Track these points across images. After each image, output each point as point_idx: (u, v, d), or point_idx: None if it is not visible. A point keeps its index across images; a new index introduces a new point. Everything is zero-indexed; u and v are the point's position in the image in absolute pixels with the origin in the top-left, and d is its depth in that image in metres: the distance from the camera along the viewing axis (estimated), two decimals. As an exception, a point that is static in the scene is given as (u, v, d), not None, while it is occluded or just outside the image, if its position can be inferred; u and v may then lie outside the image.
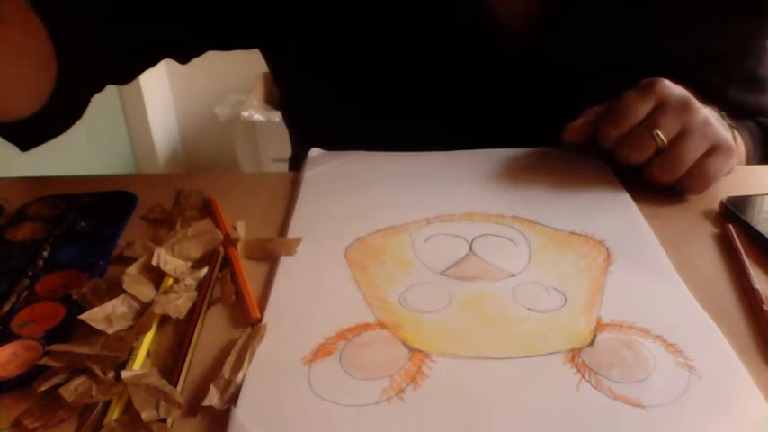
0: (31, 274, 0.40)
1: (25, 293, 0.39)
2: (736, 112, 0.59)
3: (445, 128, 0.57)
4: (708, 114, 0.47)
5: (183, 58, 0.61)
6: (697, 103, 0.47)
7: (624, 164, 0.48)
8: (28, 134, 0.51)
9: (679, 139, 0.46)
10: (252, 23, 0.59)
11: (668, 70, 0.49)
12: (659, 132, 0.46)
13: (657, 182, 0.47)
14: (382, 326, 0.35)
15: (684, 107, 0.46)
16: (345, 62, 0.58)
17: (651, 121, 0.46)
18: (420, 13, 0.55)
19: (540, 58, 0.56)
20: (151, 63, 0.58)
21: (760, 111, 0.65)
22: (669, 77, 0.49)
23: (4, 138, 0.50)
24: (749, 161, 0.60)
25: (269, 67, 0.68)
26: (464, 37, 0.55)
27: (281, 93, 0.70)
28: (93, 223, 0.46)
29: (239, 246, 0.43)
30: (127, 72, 0.58)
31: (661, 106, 0.46)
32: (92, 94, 0.55)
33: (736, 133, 0.56)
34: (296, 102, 0.68)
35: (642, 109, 0.46)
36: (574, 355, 0.33)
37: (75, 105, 0.54)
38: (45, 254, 0.42)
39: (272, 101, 1.83)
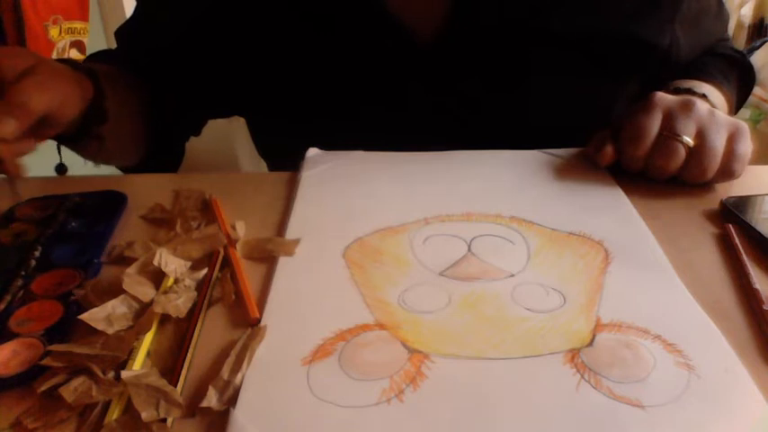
0: (23, 273, 0.40)
1: (20, 293, 0.39)
2: (691, 54, 0.63)
3: (399, 127, 0.58)
4: (708, 105, 0.49)
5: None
6: (696, 100, 0.49)
7: (659, 176, 0.50)
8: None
9: (702, 135, 0.47)
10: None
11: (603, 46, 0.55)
12: (682, 136, 0.47)
13: (698, 182, 0.49)
14: (381, 326, 0.35)
15: (688, 107, 0.48)
16: (284, 84, 0.60)
17: (668, 130, 0.48)
18: (331, 25, 0.56)
19: (453, 50, 0.57)
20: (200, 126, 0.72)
21: (711, 38, 0.68)
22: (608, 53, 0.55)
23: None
24: (731, 104, 0.64)
25: None
26: (375, 42, 0.57)
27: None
28: (85, 223, 0.46)
29: (238, 246, 0.43)
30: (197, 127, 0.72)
31: (669, 114, 0.48)
32: (181, 145, 0.71)
33: (713, 98, 0.58)
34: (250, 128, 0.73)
35: (654, 122, 0.48)
36: (573, 355, 0.33)
37: (170, 153, 0.69)
38: (37, 254, 0.42)
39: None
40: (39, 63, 0.45)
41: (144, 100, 0.62)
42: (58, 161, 0.55)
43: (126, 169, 0.66)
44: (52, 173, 0.55)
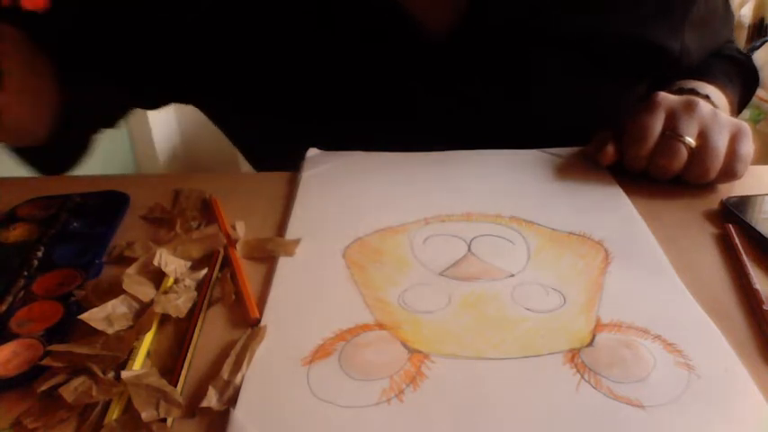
0: (26, 274, 0.40)
1: (22, 293, 0.39)
2: (699, 57, 0.63)
3: (399, 127, 0.58)
4: (711, 106, 0.49)
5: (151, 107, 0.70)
6: (698, 100, 0.49)
7: (661, 176, 0.49)
8: (45, 162, 0.60)
9: (704, 136, 0.47)
10: (184, 80, 0.61)
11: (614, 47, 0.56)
12: (684, 136, 0.47)
13: (700, 182, 0.49)
14: (381, 326, 0.35)
15: (691, 107, 0.48)
16: (285, 81, 0.59)
17: (671, 130, 0.48)
18: (336, 21, 0.56)
19: (463, 49, 0.57)
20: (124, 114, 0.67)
21: (718, 40, 0.68)
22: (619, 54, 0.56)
23: (28, 163, 0.60)
24: (734, 105, 0.64)
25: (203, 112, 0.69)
26: (386, 38, 0.56)
27: (222, 129, 0.71)
28: (86, 223, 0.46)
29: (238, 246, 0.43)
30: (112, 119, 0.66)
31: (672, 114, 0.48)
32: (89, 137, 0.64)
33: (715, 99, 0.58)
34: (242, 132, 0.70)
35: (657, 122, 0.48)
36: (573, 355, 0.33)
37: (76, 141, 0.63)
38: (39, 254, 0.42)
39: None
40: None
41: (55, 76, 0.54)
42: None
43: (24, 157, 0.59)
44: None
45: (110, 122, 0.65)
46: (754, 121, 1.62)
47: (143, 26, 0.58)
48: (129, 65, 0.59)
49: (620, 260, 0.41)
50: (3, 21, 0.51)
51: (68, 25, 0.56)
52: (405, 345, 0.34)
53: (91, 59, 0.57)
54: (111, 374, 0.32)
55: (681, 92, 0.57)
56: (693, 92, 0.57)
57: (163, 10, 0.60)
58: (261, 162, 0.72)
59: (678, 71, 0.62)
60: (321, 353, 0.33)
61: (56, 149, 0.58)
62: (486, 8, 0.55)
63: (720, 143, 0.47)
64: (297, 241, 0.43)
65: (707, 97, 0.56)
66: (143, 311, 0.36)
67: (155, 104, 0.69)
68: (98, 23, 0.57)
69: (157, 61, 0.61)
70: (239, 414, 0.30)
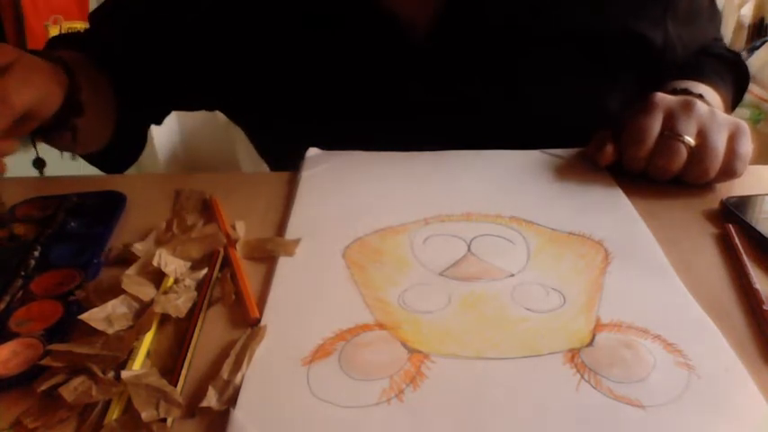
0: (23, 273, 0.40)
1: (20, 293, 0.39)
2: (685, 53, 0.63)
3: (398, 127, 0.58)
4: (708, 105, 0.49)
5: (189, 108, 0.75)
6: (696, 100, 0.49)
7: (661, 177, 0.49)
8: (108, 162, 0.65)
9: (703, 135, 0.47)
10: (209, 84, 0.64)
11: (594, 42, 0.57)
12: (684, 136, 0.47)
13: (699, 182, 0.49)
14: (381, 326, 0.35)
15: (689, 107, 0.48)
16: (284, 81, 0.60)
17: (670, 130, 0.48)
18: (326, 23, 0.57)
19: (446, 49, 0.57)
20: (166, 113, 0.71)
21: (705, 38, 0.68)
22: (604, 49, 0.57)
23: (93, 164, 0.65)
24: (727, 104, 0.64)
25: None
26: (370, 40, 0.57)
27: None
28: (84, 223, 0.47)
29: (238, 246, 0.43)
30: (157, 117, 0.71)
31: (670, 114, 0.48)
32: (143, 133, 0.70)
33: (709, 99, 0.58)
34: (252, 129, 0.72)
35: (655, 122, 0.48)
36: (573, 355, 0.33)
37: (132, 141, 0.68)
38: (36, 254, 0.42)
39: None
40: (19, 58, 0.44)
41: (110, 87, 0.62)
42: (34, 156, 0.54)
43: (92, 161, 0.65)
44: (30, 168, 0.54)
45: (157, 119, 0.70)
46: (754, 121, 1.62)
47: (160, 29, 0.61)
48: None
49: (620, 260, 0.41)
50: (70, 49, 0.59)
51: (111, 39, 0.62)
52: (405, 345, 0.34)
53: (132, 69, 0.62)
54: (111, 374, 0.32)
55: (674, 92, 0.57)
56: (686, 92, 0.57)
57: (163, 10, 0.60)
58: (276, 162, 0.73)
59: (667, 67, 0.62)
60: (321, 353, 0.33)
61: (118, 149, 0.64)
62: (461, 10, 0.55)
63: (719, 142, 0.47)
64: (297, 241, 0.43)
65: (700, 96, 0.56)
66: (143, 311, 0.36)
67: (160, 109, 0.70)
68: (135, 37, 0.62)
69: (159, 62, 0.61)
70: (239, 414, 0.30)
